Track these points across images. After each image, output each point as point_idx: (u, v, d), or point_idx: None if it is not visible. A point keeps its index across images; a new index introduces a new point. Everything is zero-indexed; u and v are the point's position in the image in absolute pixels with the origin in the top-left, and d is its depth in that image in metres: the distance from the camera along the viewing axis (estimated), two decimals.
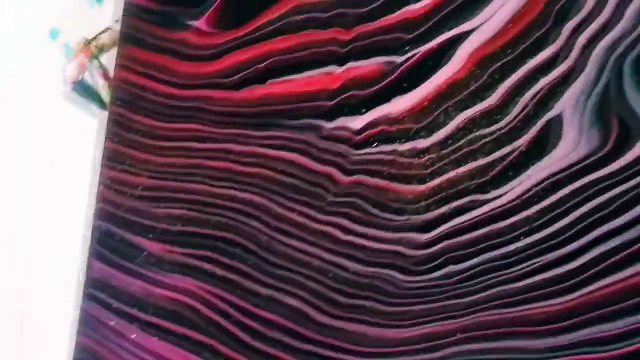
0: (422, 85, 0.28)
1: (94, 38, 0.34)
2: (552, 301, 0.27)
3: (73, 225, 0.34)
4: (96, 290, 0.32)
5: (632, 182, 0.27)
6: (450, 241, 0.28)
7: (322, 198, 0.29)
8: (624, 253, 0.27)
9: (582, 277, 0.27)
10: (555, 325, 0.27)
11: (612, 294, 0.27)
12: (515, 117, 0.28)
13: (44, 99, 0.37)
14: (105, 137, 0.31)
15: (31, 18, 0.37)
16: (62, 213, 0.35)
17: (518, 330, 0.27)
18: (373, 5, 0.29)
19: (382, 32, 0.29)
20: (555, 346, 0.27)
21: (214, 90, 0.30)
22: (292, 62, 0.29)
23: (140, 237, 0.31)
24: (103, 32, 0.34)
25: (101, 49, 0.34)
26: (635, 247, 0.27)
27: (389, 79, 0.28)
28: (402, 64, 0.28)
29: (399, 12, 0.28)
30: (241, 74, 0.30)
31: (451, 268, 0.28)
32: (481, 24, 0.28)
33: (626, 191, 0.27)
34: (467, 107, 0.28)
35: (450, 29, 0.28)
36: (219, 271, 0.29)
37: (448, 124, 0.28)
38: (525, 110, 0.28)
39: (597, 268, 0.27)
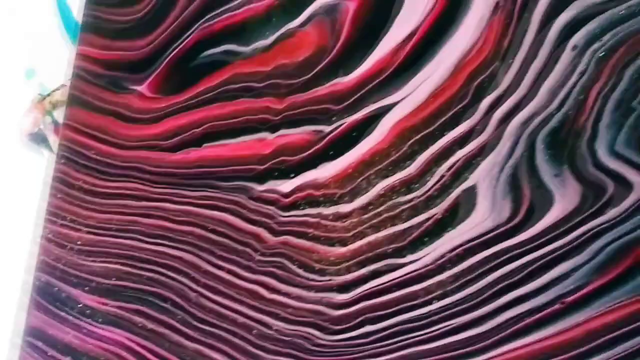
0: (347, 154, 0.30)
1: (48, 94, 0.36)
2: None
3: (15, 274, 0.35)
4: (34, 339, 0.33)
5: (539, 252, 0.28)
6: (367, 302, 0.29)
7: (250, 257, 0.30)
8: (531, 319, 0.28)
9: (490, 340, 0.28)
10: None
11: (519, 358, 0.28)
12: (432, 187, 0.29)
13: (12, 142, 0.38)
14: (50, 193, 0.32)
15: (7, 58, 0.38)
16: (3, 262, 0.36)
17: None
18: (305, 78, 0.31)
19: (312, 103, 0.31)
20: None
21: (152, 151, 0.32)
22: (227, 128, 0.31)
23: (77, 290, 0.32)
24: (57, 89, 0.36)
25: (55, 105, 0.36)
26: (541, 313, 0.28)
27: (317, 147, 0.30)
28: (329, 133, 0.30)
29: (328, 85, 0.31)
30: (179, 137, 0.31)
31: (368, 328, 0.29)
32: (403, 99, 0.30)
33: (534, 260, 0.28)
34: (387, 176, 0.30)
35: (375, 102, 0.30)
36: (149, 324, 0.31)
37: (369, 190, 0.30)
38: (442, 181, 0.29)
39: (505, 332, 0.28)
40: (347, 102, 0.30)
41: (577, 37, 0.29)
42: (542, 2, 0.29)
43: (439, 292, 0.29)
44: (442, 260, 0.29)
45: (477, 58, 0.29)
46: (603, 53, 0.29)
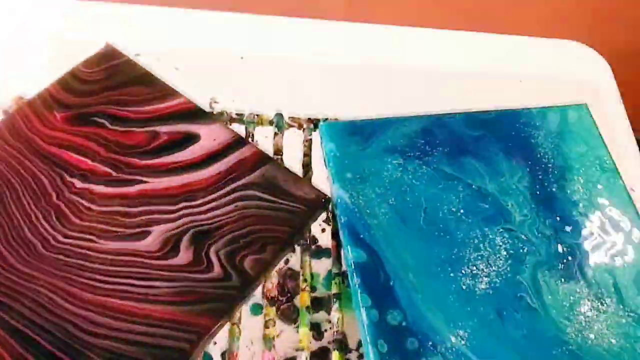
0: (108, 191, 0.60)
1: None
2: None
3: None
4: None
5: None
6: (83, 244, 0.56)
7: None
8: None
9: None
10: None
11: None
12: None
13: None
14: None
15: None
16: None
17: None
18: (131, 151, 0.62)
19: (127, 156, 0.61)
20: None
21: (39, 139, 0.62)
22: (75, 146, 0.62)
23: None
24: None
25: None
26: None
27: (113, 175, 0.60)
28: (121, 169, 0.61)
29: (143, 158, 0.62)
30: (52, 143, 0.62)
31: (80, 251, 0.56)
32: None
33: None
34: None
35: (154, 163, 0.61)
36: None
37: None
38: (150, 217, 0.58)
39: None
40: (145, 162, 0.61)
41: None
42: None
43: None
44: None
45: (192, 185, 0.60)
46: None
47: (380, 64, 0.92)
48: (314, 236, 0.91)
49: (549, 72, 1.00)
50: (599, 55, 1.05)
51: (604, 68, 1.03)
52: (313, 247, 0.90)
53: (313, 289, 0.87)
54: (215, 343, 0.83)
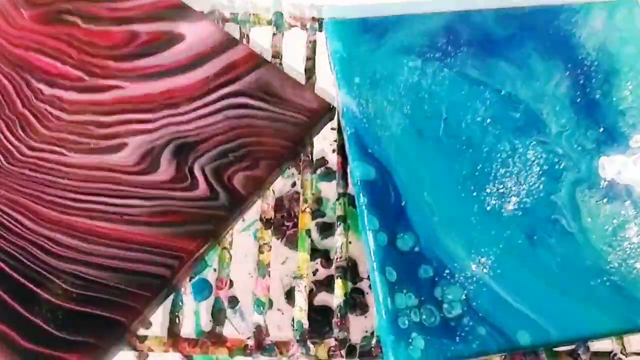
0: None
1: None
2: None
3: None
4: None
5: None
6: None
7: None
8: None
9: None
10: None
11: None
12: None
13: None
14: None
15: None
16: None
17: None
18: (108, 53, 0.53)
19: (102, 58, 0.53)
20: None
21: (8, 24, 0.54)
22: (40, 47, 0.54)
23: None
24: None
25: None
26: None
27: (83, 80, 0.52)
28: (90, 74, 0.52)
29: (117, 57, 0.53)
30: (26, 39, 0.54)
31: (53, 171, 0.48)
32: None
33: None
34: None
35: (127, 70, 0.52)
36: None
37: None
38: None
39: None
40: (122, 65, 0.53)
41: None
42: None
43: None
44: None
45: (175, 92, 0.52)
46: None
47: None
48: (324, 157, 0.82)
49: None
50: None
51: None
52: (323, 168, 0.82)
53: (322, 214, 0.79)
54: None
